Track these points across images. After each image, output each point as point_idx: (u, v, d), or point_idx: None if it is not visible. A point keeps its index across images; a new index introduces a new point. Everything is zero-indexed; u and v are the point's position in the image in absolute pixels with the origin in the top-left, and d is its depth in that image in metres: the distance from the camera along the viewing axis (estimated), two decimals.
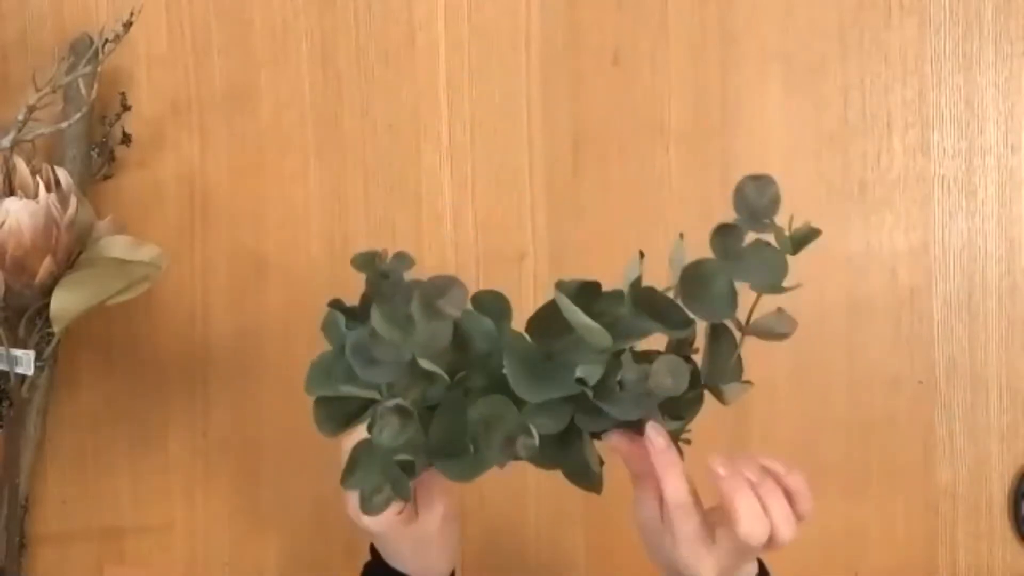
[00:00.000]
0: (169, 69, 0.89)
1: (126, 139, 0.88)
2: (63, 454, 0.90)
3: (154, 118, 0.89)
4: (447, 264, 0.86)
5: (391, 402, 0.52)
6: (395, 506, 0.57)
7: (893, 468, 0.84)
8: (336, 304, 0.57)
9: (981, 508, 0.83)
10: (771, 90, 0.84)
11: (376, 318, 0.50)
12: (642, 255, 0.52)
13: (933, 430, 0.83)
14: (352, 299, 0.87)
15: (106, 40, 0.80)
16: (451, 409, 0.54)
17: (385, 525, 0.60)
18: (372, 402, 0.56)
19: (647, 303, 0.52)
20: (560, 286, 0.52)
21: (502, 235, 0.86)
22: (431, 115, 0.87)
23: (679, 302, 0.51)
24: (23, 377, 0.79)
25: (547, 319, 0.54)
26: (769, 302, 0.53)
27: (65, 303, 0.75)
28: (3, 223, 0.72)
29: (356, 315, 0.56)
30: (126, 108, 0.87)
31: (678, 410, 0.56)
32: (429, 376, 0.53)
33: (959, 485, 0.83)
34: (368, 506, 0.54)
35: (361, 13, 0.87)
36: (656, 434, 0.55)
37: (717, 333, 0.55)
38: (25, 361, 0.78)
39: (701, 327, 0.55)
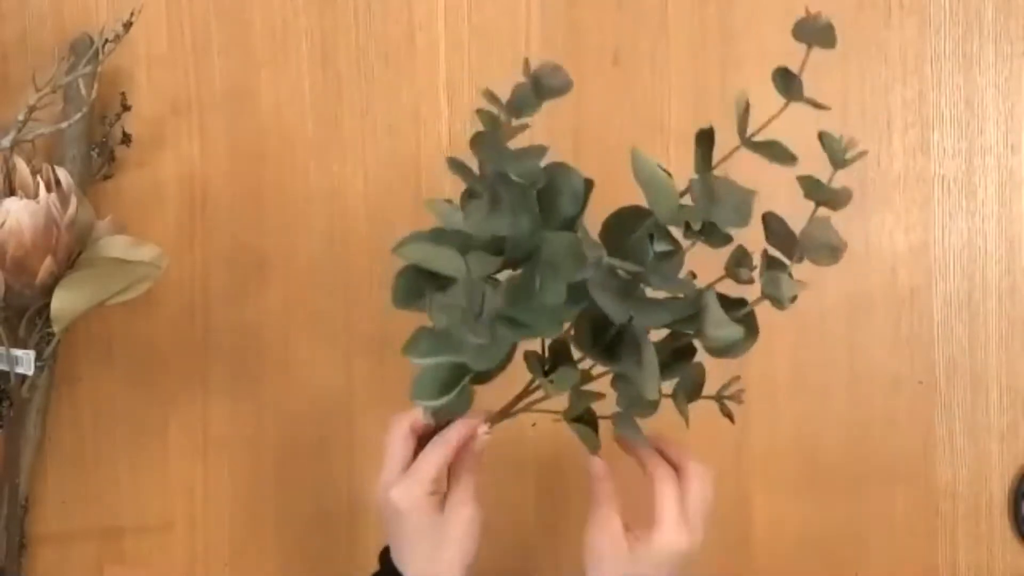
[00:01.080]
0: (169, 69, 0.89)
1: (126, 139, 0.88)
2: (63, 454, 0.90)
3: (154, 118, 0.89)
4: None
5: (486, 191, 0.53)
6: (428, 486, 0.60)
7: (893, 468, 0.84)
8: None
9: (981, 508, 0.83)
10: (771, 90, 0.84)
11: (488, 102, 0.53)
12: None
13: (933, 430, 0.83)
14: (352, 297, 0.87)
15: (106, 40, 0.80)
16: (525, 268, 0.55)
17: (414, 504, 0.60)
18: (448, 284, 0.56)
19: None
20: (636, 151, 0.54)
21: None
22: (431, 115, 0.87)
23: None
24: (23, 377, 0.79)
25: (617, 224, 0.56)
26: None
27: (65, 303, 0.75)
28: (3, 223, 0.72)
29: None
30: (126, 108, 0.87)
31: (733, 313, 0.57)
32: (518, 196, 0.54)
33: (959, 485, 0.83)
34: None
35: (361, 13, 0.87)
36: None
37: (771, 260, 0.56)
38: (25, 361, 0.78)
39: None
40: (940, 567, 0.84)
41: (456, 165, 0.56)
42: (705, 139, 0.55)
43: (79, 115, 0.79)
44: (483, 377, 0.60)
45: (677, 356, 0.59)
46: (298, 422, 0.88)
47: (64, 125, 0.79)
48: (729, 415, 0.62)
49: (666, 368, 0.57)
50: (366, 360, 0.87)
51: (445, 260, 0.56)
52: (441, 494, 0.62)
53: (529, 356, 0.60)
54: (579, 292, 0.54)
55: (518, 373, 0.62)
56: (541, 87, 0.54)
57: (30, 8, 0.90)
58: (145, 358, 0.89)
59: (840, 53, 0.84)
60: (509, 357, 0.59)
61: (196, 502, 0.89)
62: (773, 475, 0.85)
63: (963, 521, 0.83)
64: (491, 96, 0.54)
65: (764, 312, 0.57)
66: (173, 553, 0.90)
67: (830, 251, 0.56)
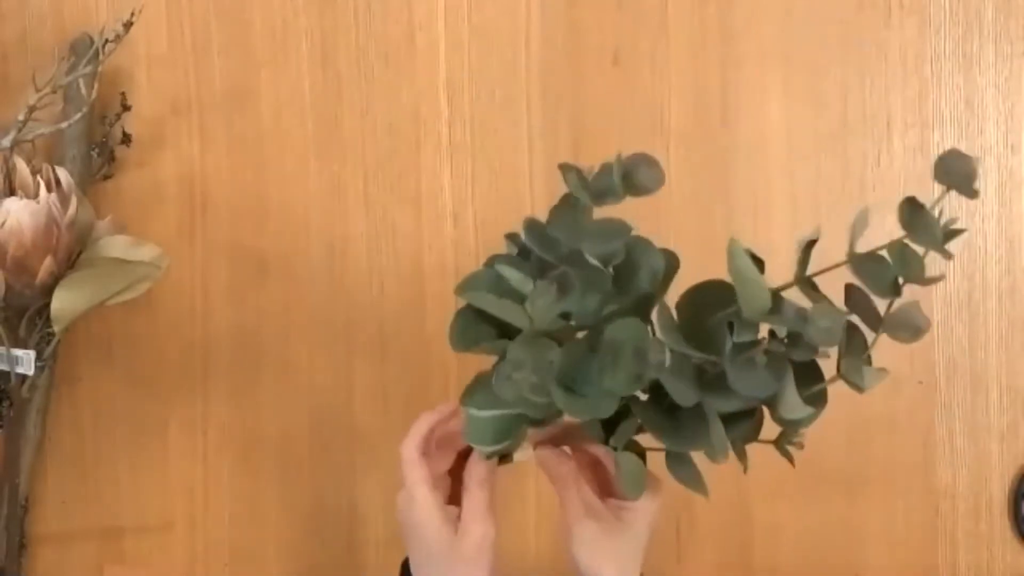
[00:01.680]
0: (169, 69, 0.89)
1: (126, 139, 0.88)
2: (63, 454, 0.90)
3: (154, 118, 0.89)
4: (447, 264, 0.86)
5: (554, 272, 0.51)
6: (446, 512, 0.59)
7: (893, 468, 0.84)
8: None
9: (981, 508, 0.83)
10: (771, 90, 0.84)
11: (573, 182, 0.51)
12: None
13: (933, 430, 0.83)
14: (352, 298, 0.87)
15: (106, 40, 0.80)
16: (589, 335, 0.53)
17: (430, 516, 0.59)
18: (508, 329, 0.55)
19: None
20: (733, 242, 0.51)
21: (502, 235, 0.86)
22: (431, 115, 0.87)
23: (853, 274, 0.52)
24: (23, 377, 0.79)
25: (699, 299, 0.54)
26: None
27: (65, 303, 0.75)
28: (4, 223, 0.72)
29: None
30: (126, 108, 0.87)
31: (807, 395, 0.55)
32: (590, 280, 0.52)
33: (959, 485, 0.83)
34: (505, 386, 0.51)
35: (361, 13, 0.87)
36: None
37: (850, 331, 0.54)
38: (25, 361, 0.78)
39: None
40: (940, 567, 0.84)
41: (532, 232, 0.53)
42: (807, 249, 0.53)
43: (79, 115, 0.79)
44: (539, 422, 0.59)
45: (741, 415, 0.57)
46: (298, 422, 0.88)
47: (64, 125, 0.79)
48: (790, 459, 0.61)
49: (728, 426, 0.55)
50: (366, 360, 0.87)
51: (509, 313, 0.54)
52: (455, 515, 0.61)
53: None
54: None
55: None
56: (631, 183, 0.51)
57: (30, 8, 0.90)
58: (145, 358, 0.89)
59: (840, 53, 0.84)
60: None
61: (196, 502, 0.89)
62: (773, 476, 0.84)
63: (963, 521, 0.83)
64: (579, 175, 0.51)
65: None
66: (173, 553, 0.90)
67: (914, 332, 0.54)
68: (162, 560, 0.90)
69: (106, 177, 0.88)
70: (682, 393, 0.51)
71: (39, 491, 0.89)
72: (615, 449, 0.56)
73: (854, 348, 0.54)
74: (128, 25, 0.81)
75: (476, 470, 0.61)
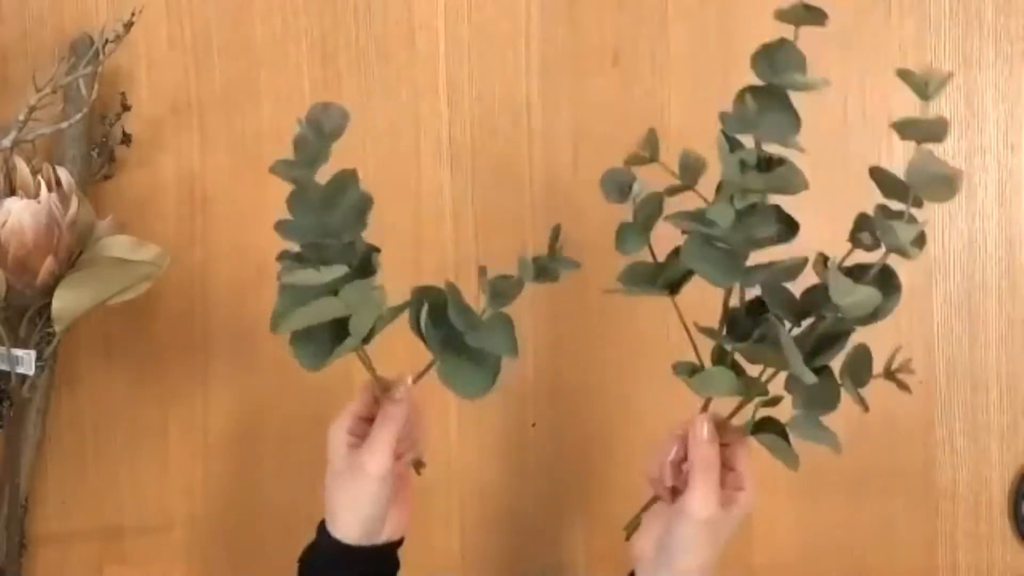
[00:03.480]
0: (169, 69, 0.89)
1: (126, 139, 0.88)
2: (63, 454, 0.90)
3: (154, 118, 0.89)
4: (447, 264, 0.86)
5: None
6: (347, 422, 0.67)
7: (893, 468, 0.84)
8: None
9: (981, 508, 0.83)
10: None
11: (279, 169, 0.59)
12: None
13: (933, 430, 0.83)
14: None
15: (106, 40, 0.80)
16: None
17: (331, 444, 0.66)
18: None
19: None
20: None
21: (502, 235, 0.86)
22: (431, 115, 0.87)
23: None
24: (24, 377, 0.79)
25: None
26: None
27: (66, 303, 0.75)
28: (5, 223, 0.72)
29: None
30: (126, 108, 0.87)
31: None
32: None
33: (959, 485, 0.83)
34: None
35: (361, 13, 0.87)
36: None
37: (887, 213, 0.54)
38: (26, 361, 0.78)
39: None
40: (940, 568, 0.84)
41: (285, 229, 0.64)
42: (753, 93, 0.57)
43: (79, 115, 0.79)
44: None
45: (827, 338, 0.57)
46: (298, 422, 0.88)
47: (64, 125, 0.79)
48: (907, 388, 0.58)
49: (821, 352, 0.56)
50: None
51: (331, 309, 0.61)
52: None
53: (677, 365, 0.61)
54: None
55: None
56: (322, 132, 0.62)
57: (30, 8, 0.90)
58: (145, 358, 0.89)
59: (840, 53, 0.84)
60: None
61: (196, 502, 0.89)
62: (772, 476, 0.84)
63: (963, 521, 0.83)
64: (282, 164, 0.60)
65: None
66: (173, 553, 0.90)
67: (945, 183, 0.51)
68: (162, 560, 0.90)
69: (106, 177, 0.88)
70: (715, 274, 0.57)
71: (39, 491, 0.89)
72: (690, 377, 0.59)
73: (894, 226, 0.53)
74: (128, 25, 0.81)
75: (386, 405, 0.66)
